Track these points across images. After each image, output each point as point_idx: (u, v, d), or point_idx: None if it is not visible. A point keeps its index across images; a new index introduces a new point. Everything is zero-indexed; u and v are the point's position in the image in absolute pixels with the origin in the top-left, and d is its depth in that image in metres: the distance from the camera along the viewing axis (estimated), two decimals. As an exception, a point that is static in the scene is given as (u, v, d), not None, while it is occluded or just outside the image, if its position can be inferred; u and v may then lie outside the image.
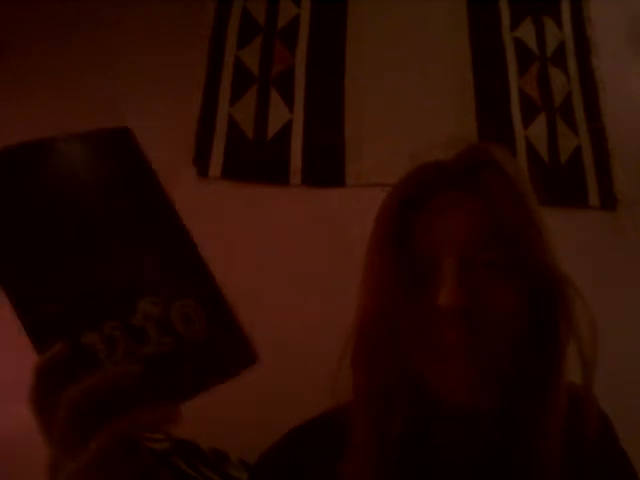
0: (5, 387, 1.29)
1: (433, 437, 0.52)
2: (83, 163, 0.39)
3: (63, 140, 0.39)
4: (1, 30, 1.55)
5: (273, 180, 1.42)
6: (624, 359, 1.26)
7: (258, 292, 1.21)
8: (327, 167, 1.43)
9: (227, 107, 1.48)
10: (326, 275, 1.30)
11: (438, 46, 1.55)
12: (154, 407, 0.34)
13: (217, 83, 1.50)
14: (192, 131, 1.45)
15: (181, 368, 0.37)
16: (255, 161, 1.44)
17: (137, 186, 0.40)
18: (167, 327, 0.37)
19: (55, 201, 0.38)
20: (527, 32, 1.58)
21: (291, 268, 1.34)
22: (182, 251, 0.39)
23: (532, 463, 0.48)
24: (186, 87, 1.48)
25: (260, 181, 1.41)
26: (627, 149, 1.47)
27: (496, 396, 0.47)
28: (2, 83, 1.49)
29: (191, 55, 1.51)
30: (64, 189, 0.38)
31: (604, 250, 1.38)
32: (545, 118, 1.50)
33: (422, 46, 1.54)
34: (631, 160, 1.46)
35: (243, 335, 0.38)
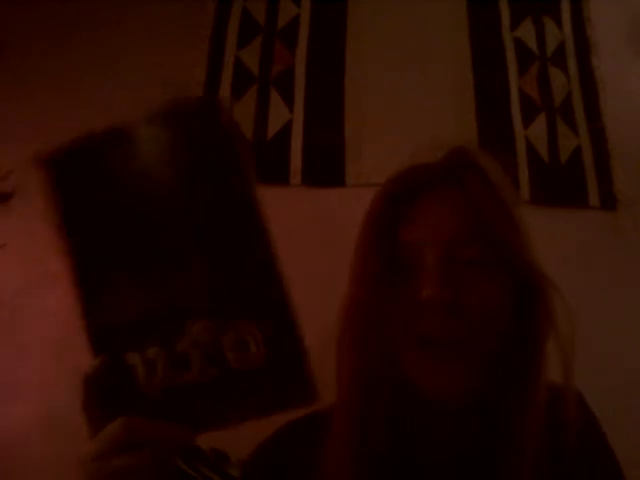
0: (5, 387, 1.29)
1: (417, 434, 0.52)
2: (157, 156, 0.37)
3: (137, 128, 0.37)
4: (1, 30, 1.55)
5: (273, 180, 1.41)
6: (624, 359, 1.26)
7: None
8: (327, 167, 1.43)
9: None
10: (326, 275, 1.30)
11: (438, 46, 1.55)
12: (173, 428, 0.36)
13: (217, 83, 1.50)
14: (192, 131, 1.45)
15: (224, 397, 0.36)
16: (255, 161, 1.43)
17: (218, 177, 0.37)
18: (215, 356, 0.35)
19: (124, 204, 0.37)
20: (527, 32, 1.58)
21: (290, 268, 1.34)
22: (256, 263, 0.35)
23: (515, 458, 0.48)
24: (186, 87, 1.48)
25: (260, 181, 1.40)
26: (627, 149, 1.47)
27: (479, 391, 0.48)
28: (2, 83, 1.49)
29: (191, 55, 1.51)
30: (133, 190, 0.37)
31: (604, 250, 1.38)
32: (545, 118, 1.50)
33: (422, 46, 1.54)
34: (631, 160, 1.46)
35: (306, 368, 0.34)
